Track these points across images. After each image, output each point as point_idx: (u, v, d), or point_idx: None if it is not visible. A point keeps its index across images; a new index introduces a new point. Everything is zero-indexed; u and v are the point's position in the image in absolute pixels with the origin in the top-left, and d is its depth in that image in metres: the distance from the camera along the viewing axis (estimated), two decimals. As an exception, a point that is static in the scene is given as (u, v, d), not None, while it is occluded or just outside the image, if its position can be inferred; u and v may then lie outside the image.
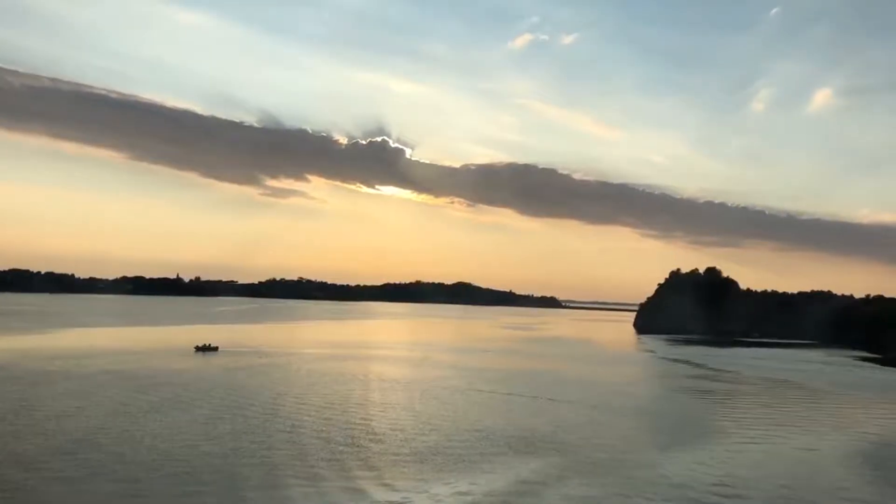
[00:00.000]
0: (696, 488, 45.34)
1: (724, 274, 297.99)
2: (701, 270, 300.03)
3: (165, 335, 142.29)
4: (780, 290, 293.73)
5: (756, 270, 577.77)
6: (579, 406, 77.36)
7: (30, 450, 48.14)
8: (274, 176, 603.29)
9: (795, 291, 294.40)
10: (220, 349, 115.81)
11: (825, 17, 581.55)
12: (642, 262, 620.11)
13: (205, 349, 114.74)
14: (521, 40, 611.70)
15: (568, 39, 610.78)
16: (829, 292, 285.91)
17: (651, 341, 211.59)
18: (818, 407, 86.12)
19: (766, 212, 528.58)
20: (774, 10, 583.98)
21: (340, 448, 52.22)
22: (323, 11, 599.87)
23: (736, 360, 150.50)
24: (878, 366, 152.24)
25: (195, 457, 47.75)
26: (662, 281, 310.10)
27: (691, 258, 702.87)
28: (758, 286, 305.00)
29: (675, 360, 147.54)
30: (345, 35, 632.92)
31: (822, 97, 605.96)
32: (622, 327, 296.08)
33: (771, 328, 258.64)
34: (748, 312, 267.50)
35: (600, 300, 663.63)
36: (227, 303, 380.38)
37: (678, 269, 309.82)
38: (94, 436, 52.85)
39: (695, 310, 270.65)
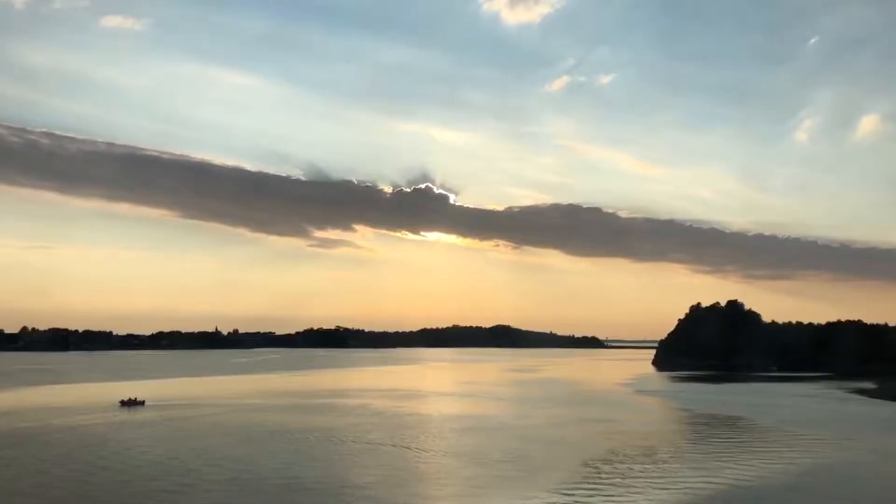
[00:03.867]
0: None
1: (750, 306, 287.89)
2: (734, 303, 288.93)
3: (121, 390, 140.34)
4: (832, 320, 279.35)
5: (810, 302, 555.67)
6: (432, 454, 72.15)
7: None
8: (321, 227, 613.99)
9: (824, 322, 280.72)
10: (146, 403, 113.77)
11: (865, 43, 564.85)
12: (693, 298, 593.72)
13: (130, 403, 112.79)
14: (559, 83, 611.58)
15: (606, 80, 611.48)
16: (860, 321, 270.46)
17: (652, 379, 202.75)
18: (725, 447, 78.42)
19: (819, 242, 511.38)
20: (813, 40, 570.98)
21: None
22: (363, 66, 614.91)
23: (713, 397, 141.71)
24: (867, 398, 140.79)
25: None
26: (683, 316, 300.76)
27: (743, 292, 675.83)
28: (814, 318, 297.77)
29: (648, 399, 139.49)
30: (386, 87, 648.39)
31: (868, 123, 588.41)
32: (640, 365, 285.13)
33: (791, 362, 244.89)
34: (769, 346, 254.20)
35: (647, 338, 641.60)
36: (253, 354, 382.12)
37: (698, 304, 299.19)
38: None
39: (712, 344, 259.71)
